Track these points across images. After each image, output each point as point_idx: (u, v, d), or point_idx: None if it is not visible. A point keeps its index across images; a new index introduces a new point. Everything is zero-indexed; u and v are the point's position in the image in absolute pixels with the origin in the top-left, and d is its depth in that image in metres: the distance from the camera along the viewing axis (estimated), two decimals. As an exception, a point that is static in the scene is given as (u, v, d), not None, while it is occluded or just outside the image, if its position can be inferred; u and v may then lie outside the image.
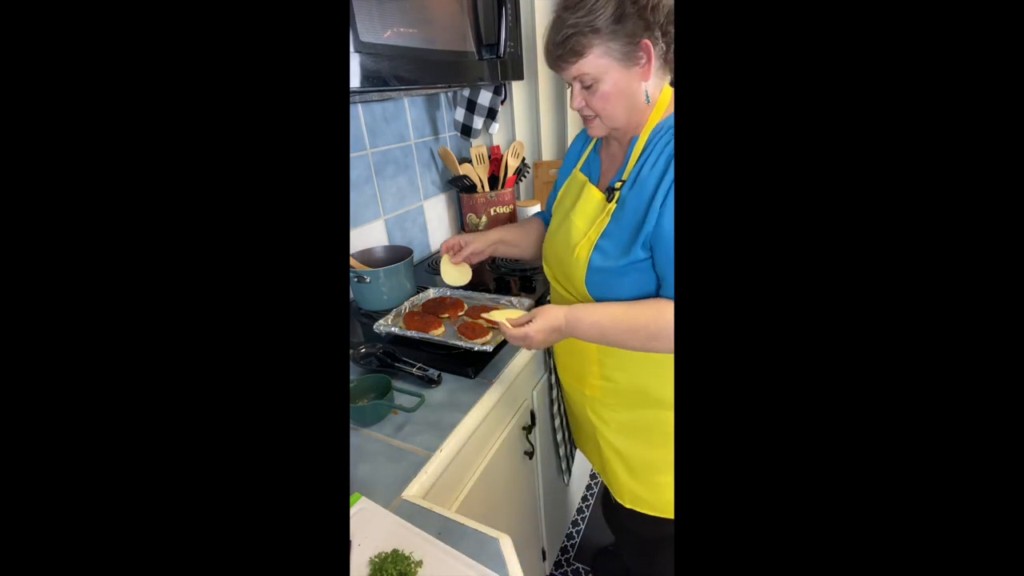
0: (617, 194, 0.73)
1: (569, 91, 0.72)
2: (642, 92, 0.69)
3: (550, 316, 0.74)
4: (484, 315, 0.86)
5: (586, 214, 0.77)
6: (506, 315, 0.80)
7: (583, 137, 0.91)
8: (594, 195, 0.77)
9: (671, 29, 0.66)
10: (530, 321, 0.74)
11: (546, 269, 0.88)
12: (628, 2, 0.63)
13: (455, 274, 1.00)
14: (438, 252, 1.53)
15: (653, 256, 0.69)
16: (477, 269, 1.33)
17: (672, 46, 0.68)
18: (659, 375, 0.78)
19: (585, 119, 0.75)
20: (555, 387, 1.02)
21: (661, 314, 0.68)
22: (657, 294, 0.71)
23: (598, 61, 0.66)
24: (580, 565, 1.40)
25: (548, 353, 1.00)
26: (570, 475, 1.12)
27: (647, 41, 0.65)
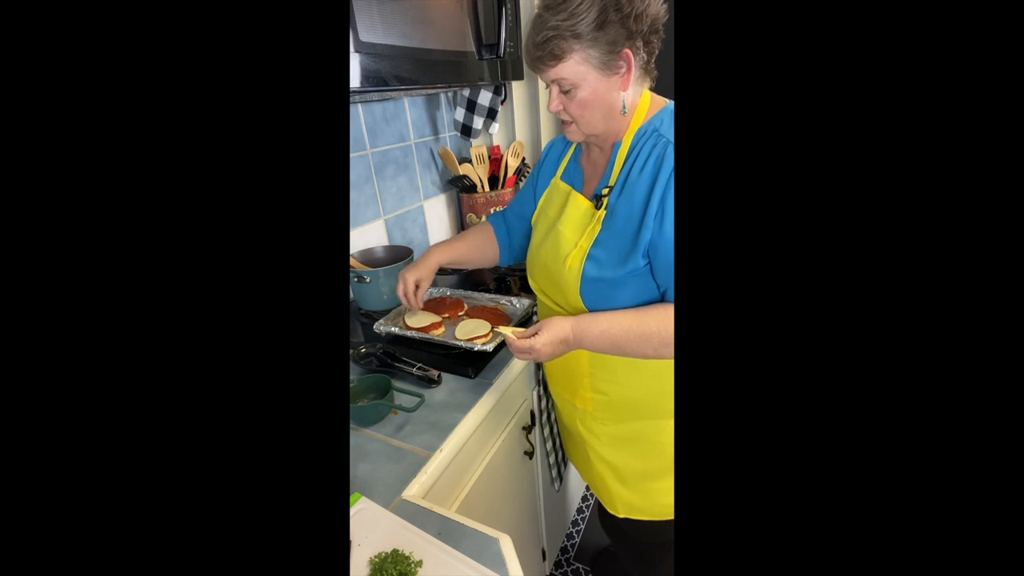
0: (605, 201, 0.71)
1: (548, 92, 0.71)
2: (620, 101, 0.68)
3: (556, 328, 0.71)
4: (495, 329, 0.84)
5: (574, 223, 0.75)
6: (514, 329, 0.78)
7: (560, 145, 0.89)
8: (581, 203, 0.75)
9: (653, 39, 0.66)
10: (536, 334, 0.72)
11: (532, 283, 0.86)
12: (611, 9, 0.62)
13: (420, 317, 0.97)
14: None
15: (652, 264, 0.68)
16: (477, 268, 1.33)
17: (654, 55, 0.68)
18: (651, 386, 0.77)
19: (563, 123, 0.74)
20: (544, 397, 1.01)
21: (671, 319, 0.67)
22: (661, 300, 0.70)
23: (577, 67, 0.65)
24: (580, 565, 1.40)
25: (538, 364, 0.99)
26: (562, 482, 1.12)
27: (628, 51, 0.64)
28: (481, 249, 0.98)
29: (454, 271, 1.32)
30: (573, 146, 0.85)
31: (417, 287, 0.91)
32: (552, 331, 0.71)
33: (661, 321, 0.67)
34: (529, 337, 0.72)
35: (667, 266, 0.66)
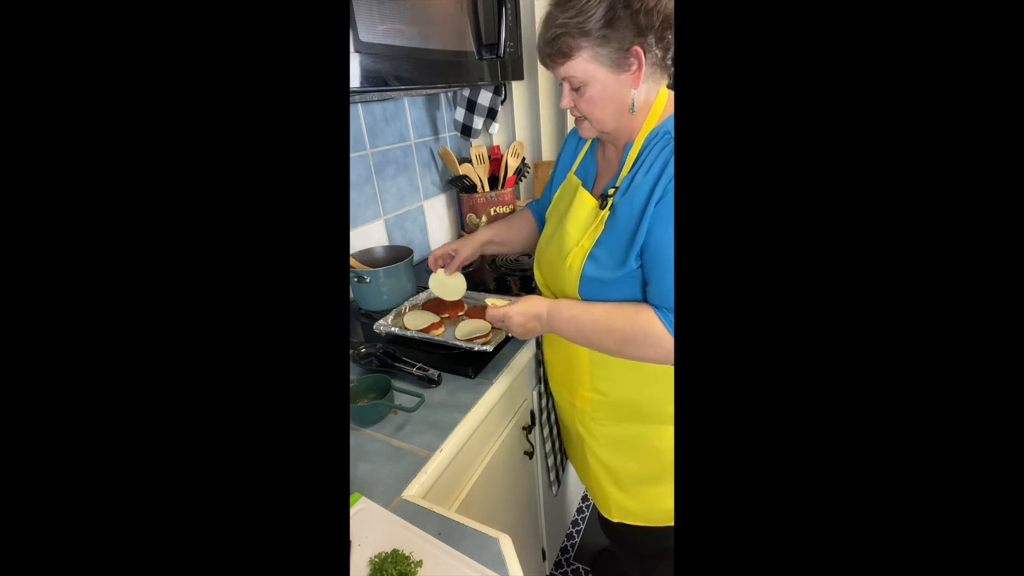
0: (610, 201, 0.71)
1: (561, 88, 0.71)
2: (631, 99, 0.67)
3: (533, 303, 0.75)
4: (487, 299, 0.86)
5: (579, 221, 0.75)
6: (495, 302, 0.82)
7: (576, 136, 0.88)
8: (587, 201, 0.75)
9: (668, 35, 0.64)
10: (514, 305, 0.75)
11: (537, 276, 0.86)
12: (620, 6, 0.61)
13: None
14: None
15: (643, 263, 0.67)
16: (478, 268, 1.33)
17: (670, 51, 0.66)
18: (649, 389, 0.77)
19: (576, 119, 0.74)
20: (544, 396, 1.01)
21: (637, 318, 0.67)
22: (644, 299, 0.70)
23: (586, 65, 0.65)
24: (580, 565, 1.40)
25: (539, 363, 0.99)
26: (560, 486, 1.12)
27: (638, 48, 0.63)
28: (520, 232, 1.01)
29: (468, 266, 1.31)
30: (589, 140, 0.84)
31: (453, 257, 0.95)
32: (528, 304, 0.75)
33: (627, 318, 0.68)
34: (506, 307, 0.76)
35: (651, 263, 0.66)
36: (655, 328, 0.65)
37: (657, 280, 0.66)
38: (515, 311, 0.75)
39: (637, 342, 0.67)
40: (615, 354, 0.72)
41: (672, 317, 0.65)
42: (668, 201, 0.63)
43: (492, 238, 0.99)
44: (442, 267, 0.96)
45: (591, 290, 0.73)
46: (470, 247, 0.96)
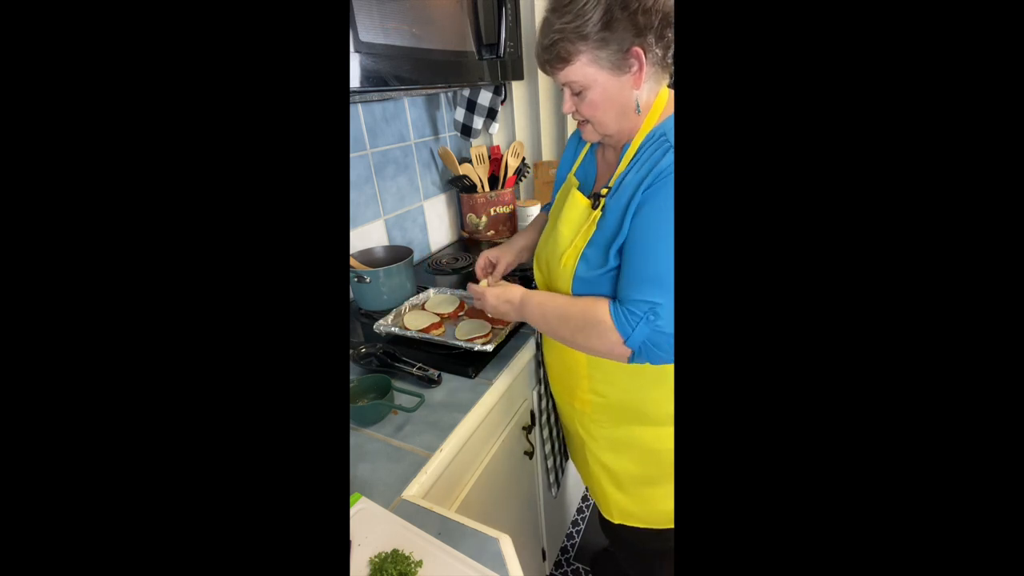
0: (603, 201, 0.71)
1: (563, 93, 0.71)
2: (633, 100, 0.67)
3: (510, 289, 0.80)
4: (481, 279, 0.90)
5: (571, 222, 0.75)
6: (487, 282, 0.88)
7: (577, 137, 0.88)
8: (579, 202, 0.75)
9: (668, 33, 0.63)
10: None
11: (537, 275, 0.86)
12: (617, 7, 0.60)
13: (420, 317, 1.01)
14: (438, 252, 1.53)
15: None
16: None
17: (671, 49, 0.65)
18: (648, 391, 0.77)
19: (579, 123, 0.74)
20: (545, 397, 1.01)
21: (593, 309, 0.68)
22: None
23: (585, 69, 0.64)
24: (580, 565, 1.40)
25: (539, 364, 1.00)
26: (559, 488, 1.12)
27: (638, 48, 0.62)
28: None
29: (459, 269, 1.32)
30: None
31: (494, 266, 0.96)
32: (505, 289, 0.81)
33: (584, 308, 0.70)
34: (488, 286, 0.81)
35: (622, 261, 0.67)
36: (604, 318, 0.67)
37: (621, 273, 0.68)
38: (491, 292, 0.80)
39: (586, 331, 0.69)
40: (571, 344, 0.75)
41: (621, 309, 0.66)
42: (648, 207, 0.64)
43: (527, 244, 1.00)
44: (487, 276, 0.97)
45: (581, 289, 0.73)
46: (510, 254, 0.97)
